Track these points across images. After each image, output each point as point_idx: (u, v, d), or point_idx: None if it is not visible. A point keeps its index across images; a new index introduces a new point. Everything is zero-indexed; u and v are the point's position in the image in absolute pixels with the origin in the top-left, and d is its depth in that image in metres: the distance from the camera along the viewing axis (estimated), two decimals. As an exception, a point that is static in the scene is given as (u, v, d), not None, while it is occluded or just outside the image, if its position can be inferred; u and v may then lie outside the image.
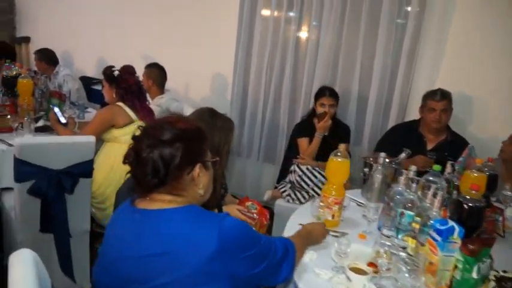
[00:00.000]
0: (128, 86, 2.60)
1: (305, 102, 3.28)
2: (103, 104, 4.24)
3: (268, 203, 2.93)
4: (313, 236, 1.46)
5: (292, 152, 3.00)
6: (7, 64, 3.31)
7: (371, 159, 2.17)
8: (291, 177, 2.83)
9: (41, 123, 2.74)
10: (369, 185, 2.05)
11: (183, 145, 1.07)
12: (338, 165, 1.66)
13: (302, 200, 2.75)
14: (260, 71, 3.44)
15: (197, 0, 3.73)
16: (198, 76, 3.80)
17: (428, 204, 1.38)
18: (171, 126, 1.09)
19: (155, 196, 1.09)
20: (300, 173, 2.79)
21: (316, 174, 2.75)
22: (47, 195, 1.95)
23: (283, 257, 1.18)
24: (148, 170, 1.05)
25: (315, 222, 1.60)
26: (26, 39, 4.70)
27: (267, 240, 1.17)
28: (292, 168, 2.86)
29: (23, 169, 1.91)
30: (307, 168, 2.77)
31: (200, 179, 1.12)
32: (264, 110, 3.46)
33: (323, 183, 2.73)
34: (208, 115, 1.75)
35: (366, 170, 2.09)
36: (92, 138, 2.07)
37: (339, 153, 1.67)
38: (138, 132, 1.13)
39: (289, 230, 1.61)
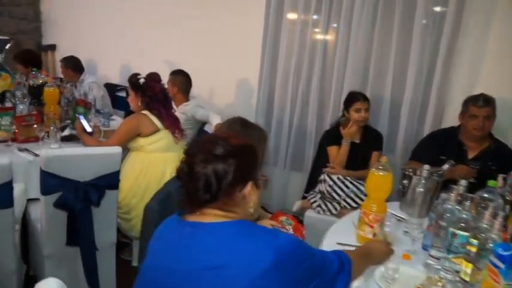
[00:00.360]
0: (154, 94, 2.54)
1: (334, 108, 3.16)
2: (127, 110, 4.24)
3: (298, 213, 2.83)
4: (374, 254, 1.36)
5: (321, 160, 2.88)
6: (33, 73, 3.32)
7: (410, 170, 2.04)
8: (321, 187, 2.72)
9: (66, 132, 2.71)
10: (409, 199, 1.92)
11: (236, 161, 1.04)
12: (380, 179, 1.54)
13: (333, 211, 2.63)
14: (287, 76, 3.34)
15: (221, 4, 3.67)
16: (222, 82, 3.73)
17: (485, 226, 1.25)
18: (225, 142, 1.06)
19: (206, 211, 1.06)
20: (331, 182, 2.67)
21: (348, 184, 2.63)
22: (74, 208, 1.90)
23: (338, 271, 1.12)
24: (201, 185, 1.03)
25: (376, 240, 1.49)
26: (52, 47, 4.74)
27: (321, 254, 1.13)
28: (321, 177, 2.74)
29: (49, 181, 1.86)
30: (338, 178, 2.65)
31: (251, 197, 1.08)
32: (291, 116, 3.36)
33: (355, 194, 2.61)
34: (240, 125, 1.66)
35: (405, 182, 1.96)
36: (118, 150, 2.01)
37: (380, 166, 1.55)
38: (190, 146, 1.11)
39: (327, 248, 1.50)
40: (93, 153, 1.98)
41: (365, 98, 2.68)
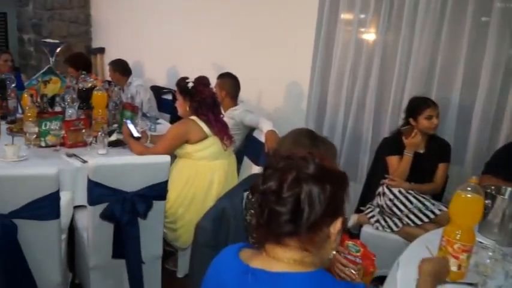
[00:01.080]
0: (203, 99, 2.42)
1: (393, 114, 2.91)
2: (173, 114, 4.18)
3: (353, 228, 2.61)
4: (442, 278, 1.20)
5: (378, 170, 2.64)
6: (83, 76, 3.31)
7: (493, 187, 1.78)
8: (380, 200, 2.49)
9: (114, 137, 2.65)
10: (493, 222, 1.67)
11: (332, 189, 0.84)
12: (468, 203, 1.31)
13: (394, 228, 2.40)
14: (341, 79, 3.12)
15: (269, 5, 3.51)
16: (270, 85, 3.56)
17: None
18: (320, 163, 0.87)
19: (276, 252, 0.85)
20: (391, 196, 2.43)
21: (411, 198, 2.39)
22: (121, 220, 1.80)
23: None
24: (287, 210, 0.82)
25: (435, 258, 1.32)
26: (101, 50, 4.79)
27: None
28: (380, 190, 2.51)
29: (97, 191, 1.78)
30: (400, 192, 2.42)
31: (335, 238, 0.88)
32: (345, 121, 3.14)
33: (419, 210, 2.36)
34: (308, 139, 1.47)
35: (488, 202, 1.70)
36: (167, 159, 1.90)
37: (468, 188, 1.32)
38: (274, 159, 0.91)
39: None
40: (141, 162, 1.87)
41: (435, 103, 2.43)
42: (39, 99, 2.47)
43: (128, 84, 3.57)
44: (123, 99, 2.97)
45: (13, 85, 3.11)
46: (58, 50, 2.84)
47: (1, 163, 2.12)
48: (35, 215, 1.59)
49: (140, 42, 4.54)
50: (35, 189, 1.57)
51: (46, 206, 1.60)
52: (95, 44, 4.87)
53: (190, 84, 2.43)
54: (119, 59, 3.81)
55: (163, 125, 3.23)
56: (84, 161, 2.24)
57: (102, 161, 1.76)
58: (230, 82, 3.01)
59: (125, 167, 1.80)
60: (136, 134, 2.57)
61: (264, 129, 2.57)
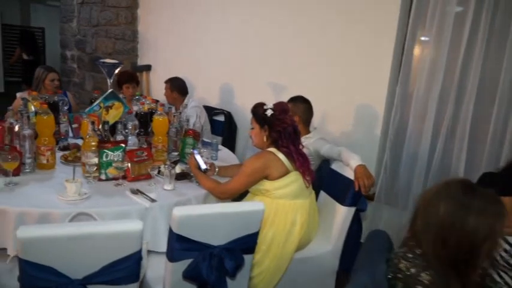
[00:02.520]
0: (283, 129, 2.12)
1: (493, 144, 2.52)
2: (225, 136, 3.91)
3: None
4: None
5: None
6: (137, 97, 3.07)
7: None
8: (490, 249, 2.09)
9: (178, 168, 2.37)
10: None
11: None
12: None
13: (513, 284, 2.00)
14: (426, 103, 2.76)
15: (337, 20, 3.20)
16: (338, 107, 3.24)
17: None
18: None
19: None
20: (508, 247, 2.04)
21: (535, 250, 1.98)
22: (208, 280, 1.49)
23: None
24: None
25: None
26: (147, 68, 4.58)
27: None
28: (489, 236, 2.12)
29: (181, 246, 1.47)
30: (519, 241, 2.02)
31: None
32: (431, 151, 2.76)
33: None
34: (461, 191, 1.18)
35: None
36: (261, 206, 1.58)
37: None
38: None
39: None
40: (233, 211, 1.56)
41: None
42: (100, 127, 2.21)
43: (184, 106, 3.30)
44: (184, 125, 2.69)
45: (66, 107, 2.90)
46: (117, 71, 2.60)
47: (61, 203, 1.85)
48: (113, 280, 1.30)
49: (189, 59, 4.31)
50: (115, 248, 1.27)
51: (127, 268, 1.30)
52: (141, 61, 4.67)
53: (269, 112, 2.13)
54: (177, 77, 3.55)
55: (224, 152, 2.94)
56: (153, 200, 1.95)
57: (188, 210, 1.46)
58: (303, 106, 2.70)
59: (214, 217, 1.50)
60: (204, 166, 2.28)
61: (352, 164, 2.23)
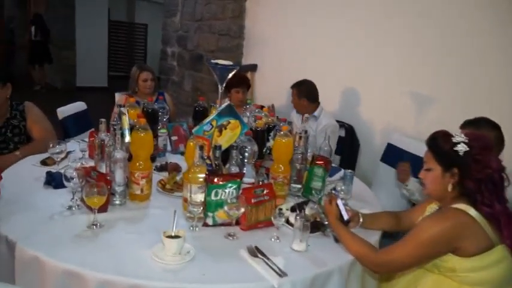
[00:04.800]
0: (486, 177, 1.35)
1: None
2: (344, 156, 3.19)
3: None
4: None
5: None
6: (248, 106, 2.49)
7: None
8: None
9: (308, 210, 1.71)
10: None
11: None
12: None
13: None
14: None
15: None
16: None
17: None
18: None
19: None
20: None
21: None
22: None
23: None
24: None
25: None
26: (253, 67, 4.01)
27: None
28: None
29: None
30: None
31: None
32: None
33: None
34: None
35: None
36: None
37: None
38: None
39: None
40: None
41: None
42: (211, 154, 1.64)
43: (312, 117, 2.58)
44: (313, 150, 2.04)
45: (166, 117, 2.41)
46: (230, 75, 2.02)
47: (157, 267, 1.30)
48: None
49: (300, 59, 3.65)
50: None
51: None
52: (246, 60, 4.13)
53: (463, 148, 1.36)
54: (306, 81, 2.89)
55: (360, 187, 2.21)
56: (282, 273, 1.31)
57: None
58: (493, 135, 1.86)
59: None
60: (346, 216, 1.60)
61: None
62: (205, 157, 1.60)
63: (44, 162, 2.06)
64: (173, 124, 2.48)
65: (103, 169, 1.83)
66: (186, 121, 2.55)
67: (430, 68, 2.77)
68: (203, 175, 1.57)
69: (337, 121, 3.19)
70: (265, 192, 1.64)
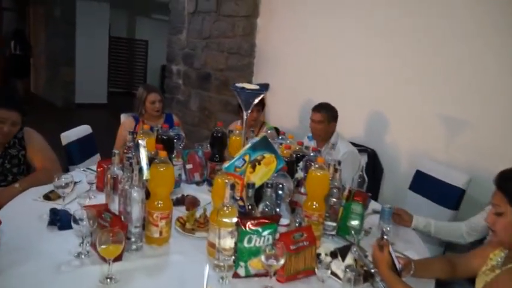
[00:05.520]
0: None
1: None
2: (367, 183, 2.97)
3: None
4: None
5: None
6: (269, 130, 2.29)
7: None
8: None
9: (349, 260, 1.49)
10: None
11: None
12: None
13: None
14: None
15: None
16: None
17: None
18: None
19: None
20: None
21: None
22: None
23: None
24: None
25: None
26: (264, 87, 3.82)
27: None
28: None
29: None
30: None
31: None
32: None
33: None
34: None
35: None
36: None
37: None
38: None
39: None
40: None
41: None
42: (243, 194, 1.42)
43: (331, 145, 2.38)
44: (350, 185, 1.83)
45: (181, 144, 2.21)
46: (257, 100, 1.83)
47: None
48: None
49: (315, 80, 3.48)
50: None
51: None
52: (257, 79, 3.96)
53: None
54: (328, 104, 2.70)
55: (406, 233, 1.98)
56: None
57: None
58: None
59: None
60: (399, 265, 1.39)
61: None
62: (238, 198, 1.38)
63: (47, 197, 1.84)
64: (188, 151, 2.27)
65: (115, 205, 1.62)
66: (200, 147, 2.34)
67: (460, 88, 2.59)
68: (235, 218, 1.36)
69: (358, 145, 2.99)
70: (304, 236, 1.43)
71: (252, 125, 3.06)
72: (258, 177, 1.46)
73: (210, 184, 2.23)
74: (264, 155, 1.49)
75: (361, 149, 2.98)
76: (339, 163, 1.85)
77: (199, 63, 4.49)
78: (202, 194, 2.07)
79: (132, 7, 10.70)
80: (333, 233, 1.77)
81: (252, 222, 1.36)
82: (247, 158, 1.48)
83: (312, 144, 2.68)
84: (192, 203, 1.90)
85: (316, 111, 2.64)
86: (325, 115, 2.62)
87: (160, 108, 3.03)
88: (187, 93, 4.74)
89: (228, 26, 4.07)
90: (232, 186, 1.36)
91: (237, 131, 2.19)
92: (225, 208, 1.36)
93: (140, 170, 1.46)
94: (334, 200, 1.75)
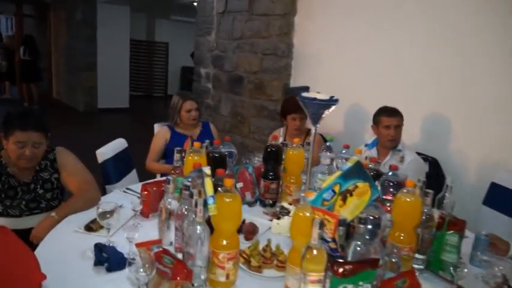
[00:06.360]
0: None
1: None
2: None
3: None
4: None
5: None
6: (327, 143, 2.03)
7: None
8: None
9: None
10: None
11: None
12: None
13: None
14: None
15: None
16: None
17: None
18: None
19: None
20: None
21: None
22: None
23: None
24: None
25: None
26: (304, 90, 3.56)
27: None
28: None
29: None
30: None
31: None
32: None
33: None
34: None
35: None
36: None
37: None
38: None
39: None
40: None
41: None
42: (335, 234, 1.16)
43: (399, 158, 2.12)
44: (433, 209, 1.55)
45: (233, 161, 1.96)
46: (328, 111, 1.57)
47: None
48: None
49: (361, 82, 3.19)
50: None
51: None
52: (295, 82, 3.69)
53: None
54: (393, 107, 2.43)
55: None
56: None
57: None
58: None
59: None
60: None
61: None
62: (330, 240, 1.12)
63: (88, 228, 1.62)
64: (238, 167, 2.02)
65: (168, 237, 1.39)
66: (251, 163, 2.10)
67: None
68: (323, 263, 1.10)
69: (419, 153, 2.70)
70: (407, 283, 1.16)
71: (294, 134, 2.81)
72: (349, 211, 1.20)
73: (264, 205, 2.00)
74: (357, 184, 1.23)
75: (422, 157, 2.68)
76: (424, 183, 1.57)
77: (230, 65, 4.24)
78: (257, 218, 1.82)
79: (151, 9, 10.56)
80: (422, 266, 1.50)
81: (347, 268, 1.10)
82: (337, 189, 1.22)
83: (372, 153, 2.41)
84: (251, 231, 1.65)
85: (393, 116, 2.37)
86: (401, 119, 2.37)
87: (197, 117, 2.82)
88: (217, 97, 4.50)
89: (262, 25, 3.81)
90: (321, 226, 1.10)
91: (294, 144, 1.94)
92: (314, 251, 1.11)
93: (205, 203, 1.22)
94: (426, 230, 1.48)
